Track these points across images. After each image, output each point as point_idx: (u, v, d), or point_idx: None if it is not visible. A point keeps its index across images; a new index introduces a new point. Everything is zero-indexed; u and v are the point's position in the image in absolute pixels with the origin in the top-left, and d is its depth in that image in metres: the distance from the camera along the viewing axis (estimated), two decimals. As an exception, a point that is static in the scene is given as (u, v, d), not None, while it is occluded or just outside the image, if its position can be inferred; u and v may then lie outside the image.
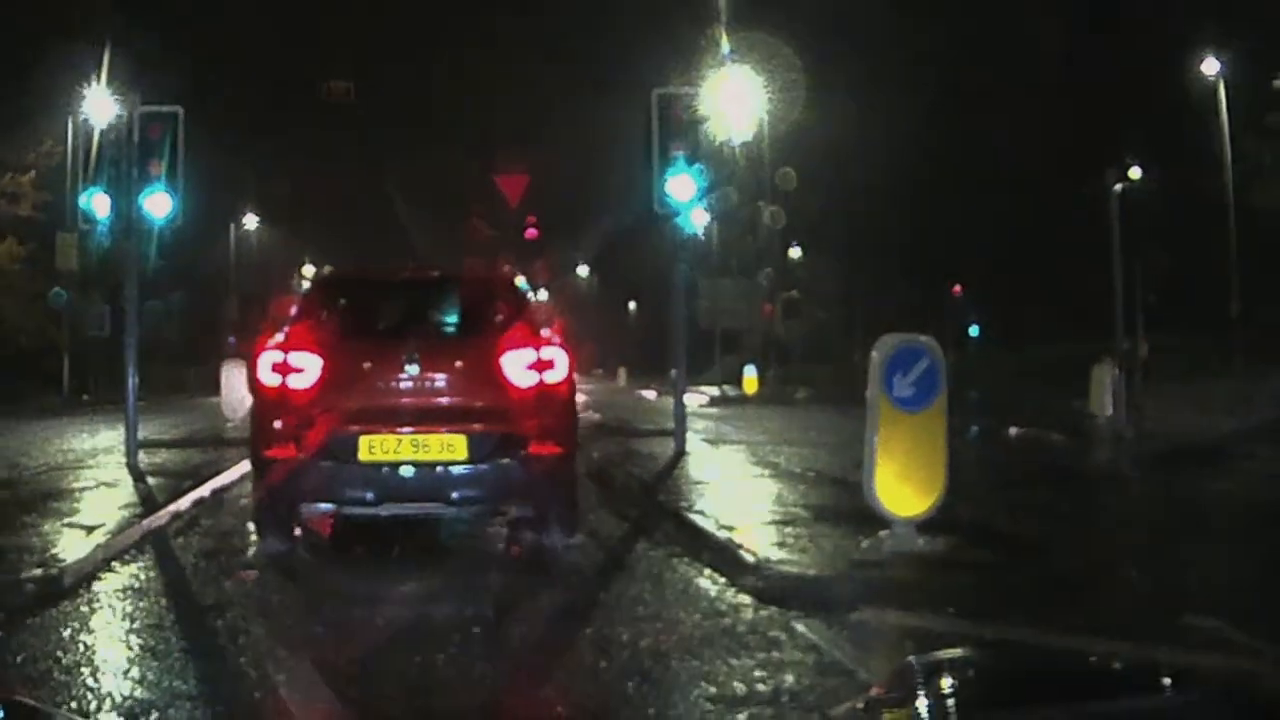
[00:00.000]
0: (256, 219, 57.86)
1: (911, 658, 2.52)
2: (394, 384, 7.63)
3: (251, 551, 8.40)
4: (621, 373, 51.84)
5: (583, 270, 67.00)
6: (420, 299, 8.70)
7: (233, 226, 54.59)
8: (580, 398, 10.11)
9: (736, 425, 19.23)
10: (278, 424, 7.67)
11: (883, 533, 7.41)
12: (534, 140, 52.28)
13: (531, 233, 31.81)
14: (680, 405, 13.50)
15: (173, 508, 9.94)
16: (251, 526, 8.71)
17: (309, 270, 74.62)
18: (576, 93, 55.41)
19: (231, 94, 47.47)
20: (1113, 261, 18.71)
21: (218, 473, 12.20)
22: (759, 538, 7.78)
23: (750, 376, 32.77)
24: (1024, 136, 34.95)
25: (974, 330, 39.45)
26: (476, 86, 60.20)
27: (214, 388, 23.04)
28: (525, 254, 46.37)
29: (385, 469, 7.47)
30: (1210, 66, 30.54)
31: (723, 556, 7.48)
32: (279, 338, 7.83)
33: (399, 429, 7.48)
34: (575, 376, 8.23)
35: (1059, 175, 34.19)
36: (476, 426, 7.52)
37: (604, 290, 66.31)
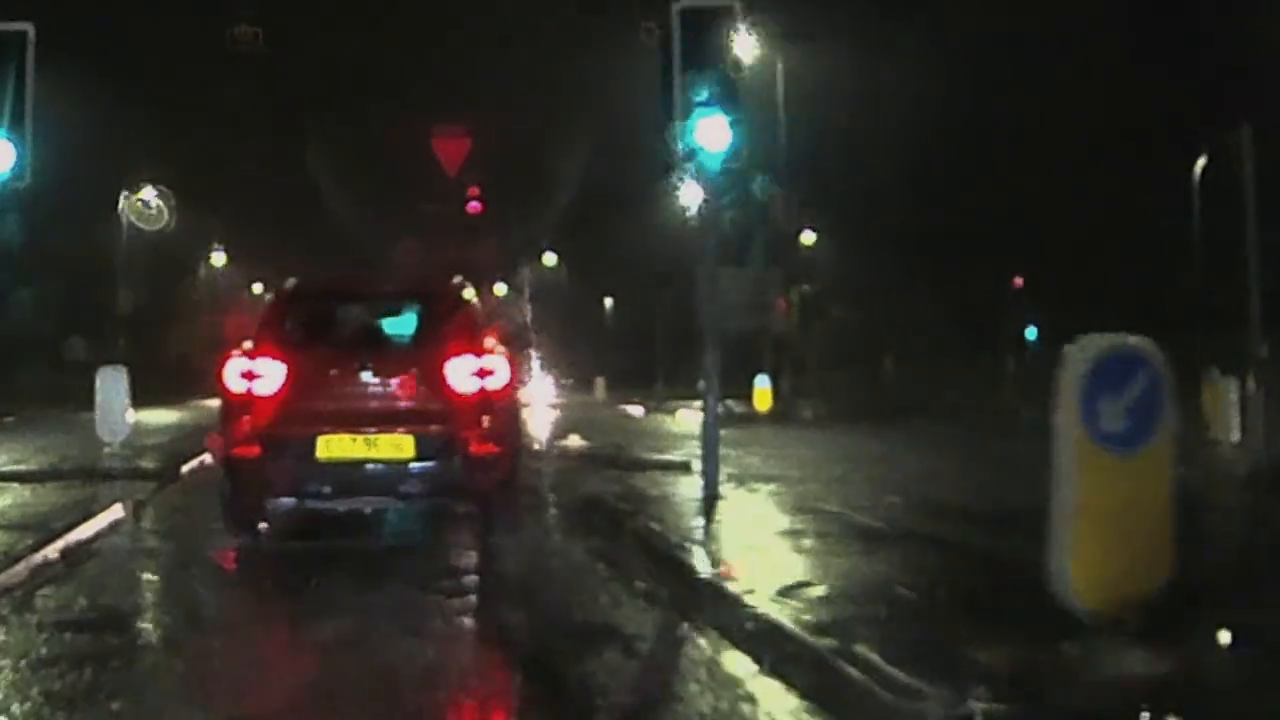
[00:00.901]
0: (155, 193, 54.70)
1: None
2: (349, 389, 9.50)
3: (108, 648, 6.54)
4: (599, 384, 49.94)
5: (550, 258, 64.59)
6: (375, 310, 10.97)
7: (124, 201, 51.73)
8: (552, 414, 10.97)
9: (759, 453, 17.25)
10: (243, 425, 9.42)
11: (1073, 643, 5.52)
12: (483, 94, 50.28)
13: (474, 206, 30.55)
14: (713, 429, 11.45)
15: (2, 578, 8.13)
16: (113, 609, 7.67)
17: (219, 259, 71.36)
18: (539, 38, 53.65)
19: (121, 41, 45.55)
20: (1246, 242, 16.96)
21: (76, 523, 10.30)
22: (876, 644, 5.78)
23: (763, 388, 30.80)
24: (1086, 98, 33.54)
25: (1031, 333, 37.70)
26: (413, 32, 58.36)
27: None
28: (469, 232, 44.29)
29: (341, 466, 9.28)
30: None
31: (834, 680, 5.53)
32: (246, 345, 9.66)
33: (353, 430, 9.29)
34: (517, 382, 10.25)
35: (1128, 145, 32.84)
36: (423, 428, 9.32)
37: (574, 284, 64.01)
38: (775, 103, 28.94)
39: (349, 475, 9.29)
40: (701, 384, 11.99)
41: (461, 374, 9.42)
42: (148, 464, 15.93)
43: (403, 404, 9.48)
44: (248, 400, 9.41)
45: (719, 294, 31.63)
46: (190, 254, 64.54)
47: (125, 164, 50.38)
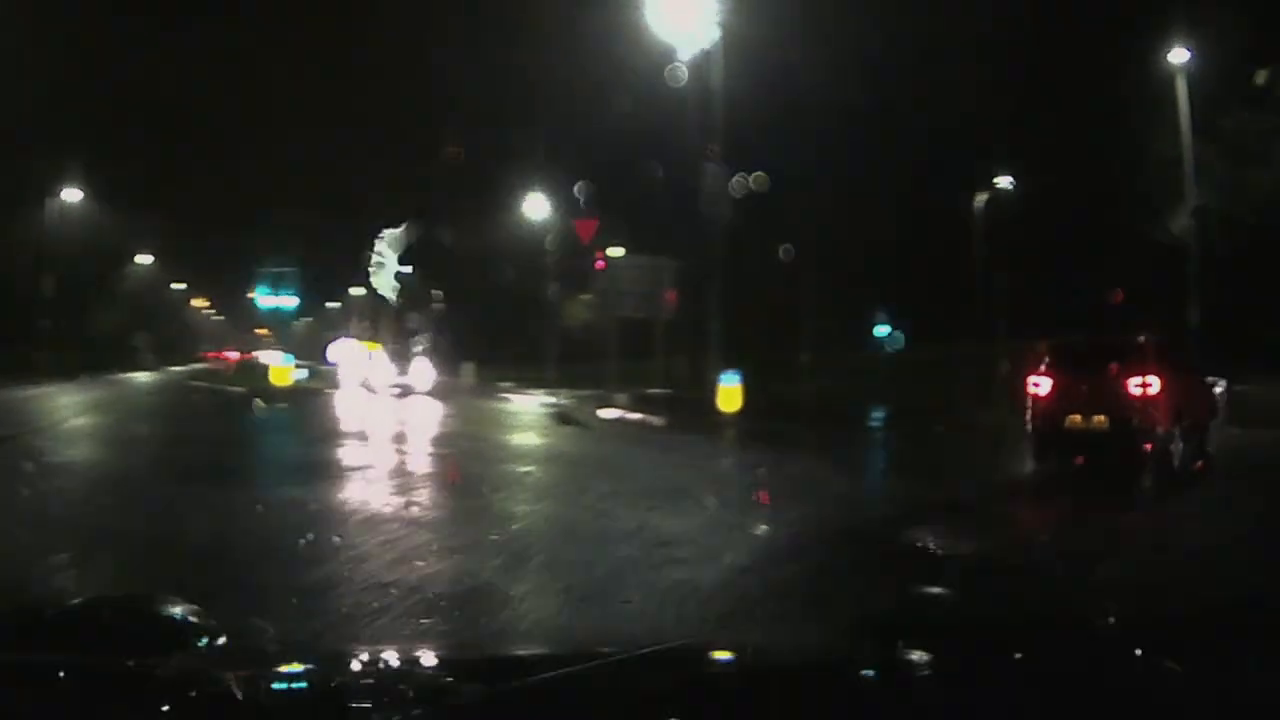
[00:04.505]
0: (80, 194, 55.50)
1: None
2: (1079, 392, 15.75)
3: None
4: (467, 369, 49.34)
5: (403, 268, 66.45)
6: (1096, 351, 16.42)
7: (48, 201, 52.45)
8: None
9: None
10: (1033, 411, 16.06)
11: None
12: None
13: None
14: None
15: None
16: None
17: (145, 259, 73.42)
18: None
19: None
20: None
21: None
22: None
23: (731, 386, 25.86)
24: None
25: (885, 330, 37.71)
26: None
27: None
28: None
29: (1074, 433, 15.53)
30: (1178, 56, 29.59)
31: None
32: (1040, 367, 16.38)
33: (1081, 413, 15.53)
34: (1170, 386, 15.39)
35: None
36: (1114, 414, 15.23)
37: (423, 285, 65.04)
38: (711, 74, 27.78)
39: (1077, 442, 15.50)
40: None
41: (1132, 385, 15.21)
42: None
43: (1105, 401, 15.37)
44: (1036, 399, 16.03)
45: (618, 281, 31.83)
46: (120, 250, 67.14)
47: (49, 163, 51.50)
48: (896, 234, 37.89)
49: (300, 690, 2.56)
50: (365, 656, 3.08)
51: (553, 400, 32.85)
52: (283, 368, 39.41)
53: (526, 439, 21.18)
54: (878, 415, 26.09)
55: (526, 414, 28.33)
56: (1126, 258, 31.40)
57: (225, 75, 69.52)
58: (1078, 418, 15.58)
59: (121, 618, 2.62)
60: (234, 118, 77.41)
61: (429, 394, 37.78)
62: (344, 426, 23.62)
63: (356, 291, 72.69)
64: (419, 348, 45.92)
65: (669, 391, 29.60)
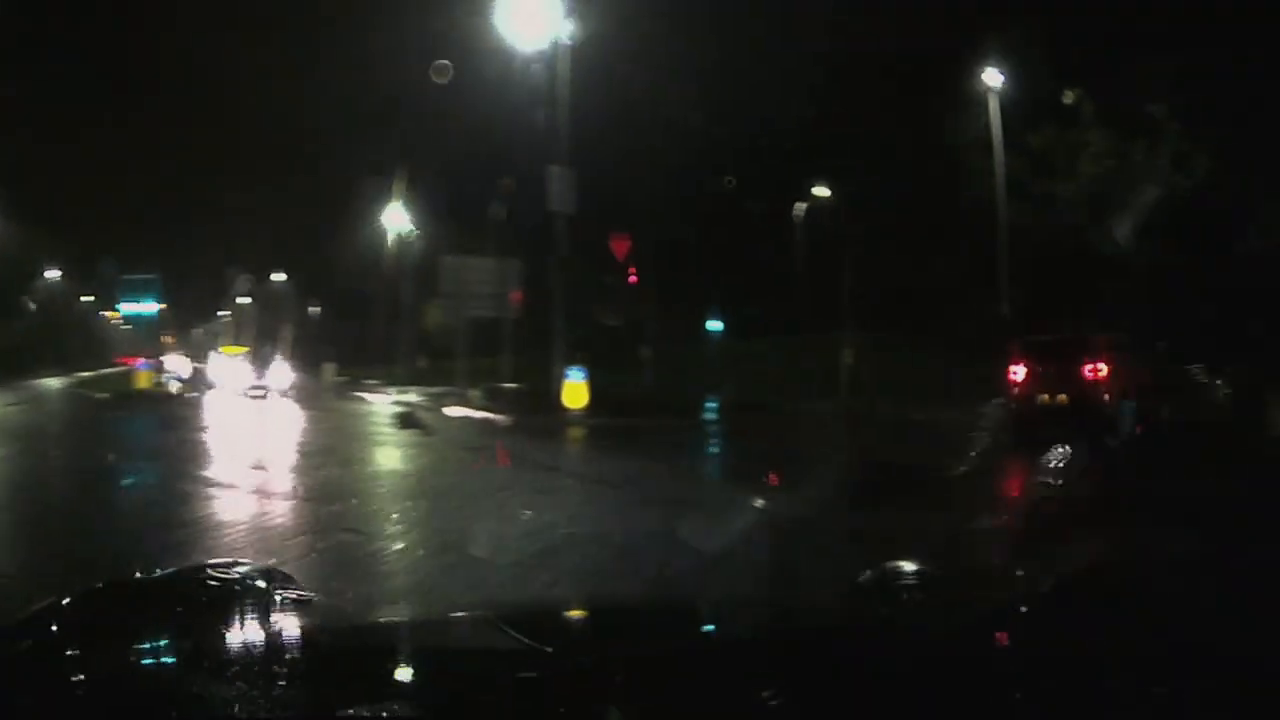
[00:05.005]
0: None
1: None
2: (1047, 378, 16.12)
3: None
4: (328, 369, 43.88)
5: (280, 275, 61.55)
6: (1060, 345, 16.72)
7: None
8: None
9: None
10: (1010, 393, 16.38)
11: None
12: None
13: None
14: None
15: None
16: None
17: (54, 275, 65.89)
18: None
19: None
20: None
21: None
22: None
23: (577, 382, 21.66)
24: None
25: (715, 325, 33.00)
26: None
27: None
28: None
29: (1045, 410, 15.67)
30: (992, 79, 26.58)
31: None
32: (1016, 359, 16.52)
33: (1048, 393, 15.92)
34: (1114, 370, 15.84)
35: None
36: (1074, 392, 15.59)
37: (298, 294, 60.10)
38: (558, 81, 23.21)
39: (1047, 415, 15.36)
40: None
41: (1087, 371, 15.66)
42: None
43: (1066, 383, 15.69)
44: (1013, 383, 16.36)
45: (463, 282, 27.67)
46: (29, 265, 59.99)
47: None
48: (728, 237, 35.08)
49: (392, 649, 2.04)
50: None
51: (405, 399, 28.26)
52: (144, 373, 34.22)
53: (354, 451, 15.67)
54: (716, 408, 22.29)
55: (372, 414, 23.61)
56: (942, 262, 28.26)
57: (121, 91, 61.48)
58: (1046, 397, 15.97)
59: (209, 586, 2.04)
60: (127, 137, 68.94)
61: (284, 395, 32.32)
62: (153, 440, 17.62)
63: (242, 300, 66.57)
64: (280, 350, 41.07)
65: (516, 386, 24.67)
